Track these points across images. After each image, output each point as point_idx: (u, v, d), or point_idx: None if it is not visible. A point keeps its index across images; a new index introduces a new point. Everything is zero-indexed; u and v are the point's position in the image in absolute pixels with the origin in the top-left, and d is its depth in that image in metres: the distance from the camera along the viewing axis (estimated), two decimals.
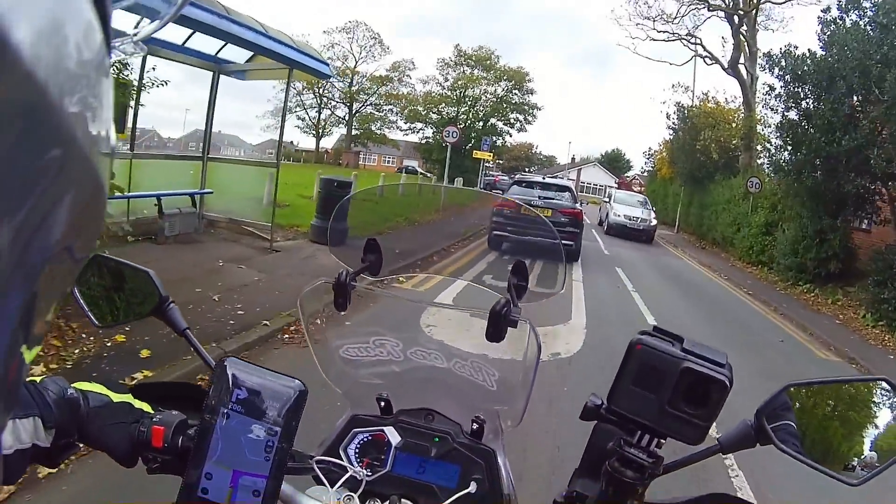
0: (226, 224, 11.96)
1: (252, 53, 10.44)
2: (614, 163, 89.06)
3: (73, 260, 0.34)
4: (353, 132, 65.03)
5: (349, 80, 62.97)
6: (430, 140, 59.52)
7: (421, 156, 63.52)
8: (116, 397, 1.05)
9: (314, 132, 66.13)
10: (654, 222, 27.86)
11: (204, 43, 10.19)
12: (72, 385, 1.01)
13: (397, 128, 63.64)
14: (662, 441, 0.99)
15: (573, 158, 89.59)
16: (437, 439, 1.24)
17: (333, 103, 65.09)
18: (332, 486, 1.13)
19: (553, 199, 16.86)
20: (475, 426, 1.26)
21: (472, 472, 1.21)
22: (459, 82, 59.46)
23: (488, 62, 59.54)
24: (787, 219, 19.32)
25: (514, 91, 60.14)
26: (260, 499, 0.96)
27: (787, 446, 1.02)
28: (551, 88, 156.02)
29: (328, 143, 71.16)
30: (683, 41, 35.22)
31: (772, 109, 18.47)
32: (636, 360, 0.97)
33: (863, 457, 1.04)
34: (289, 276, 9.03)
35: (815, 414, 1.09)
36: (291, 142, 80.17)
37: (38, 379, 0.98)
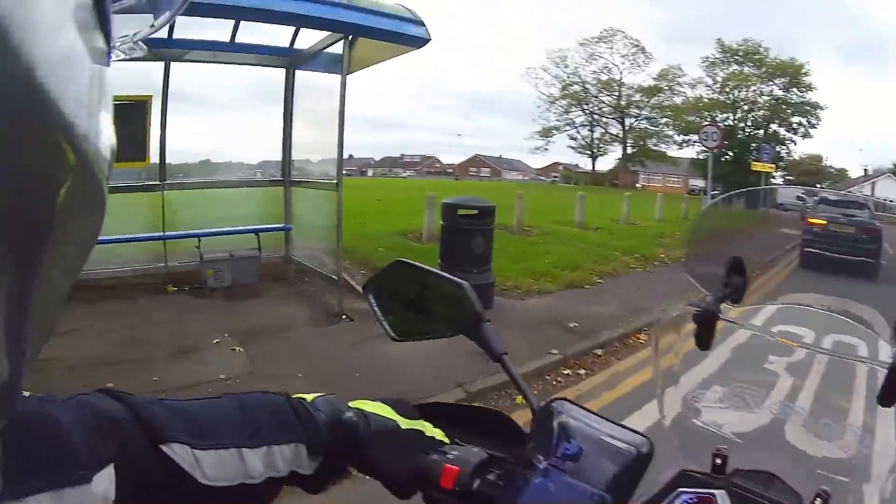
0: (316, 270, 8.30)
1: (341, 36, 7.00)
2: None
3: (93, 219, 0.34)
4: (628, 150, 60.86)
5: (616, 94, 59.08)
6: (707, 153, 54.74)
7: (698, 171, 58.60)
8: (405, 423, 0.93)
9: (589, 152, 63.02)
10: None
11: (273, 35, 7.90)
12: (350, 404, 0.92)
13: (674, 143, 57.95)
14: None
15: (865, 170, 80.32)
16: None
17: (605, 120, 61.32)
18: None
19: (855, 215, 15.35)
20: (818, 501, 0.99)
21: None
22: (729, 83, 52.91)
23: (757, 56, 52.14)
24: None
25: (790, 89, 52.35)
26: None
27: None
28: (831, 90, 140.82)
29: (608, 163, 67.17)
30: None
31: None
32: None
33: None
34: (286, 378, 5.12)
35: None
36: (577, 165, 77.94)
37: (309, 398, 0.89)
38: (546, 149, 62.92)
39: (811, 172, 78.09)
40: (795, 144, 56.80)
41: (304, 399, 0.87)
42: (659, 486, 0.99)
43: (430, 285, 1.14)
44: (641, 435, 0.88)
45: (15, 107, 0.23)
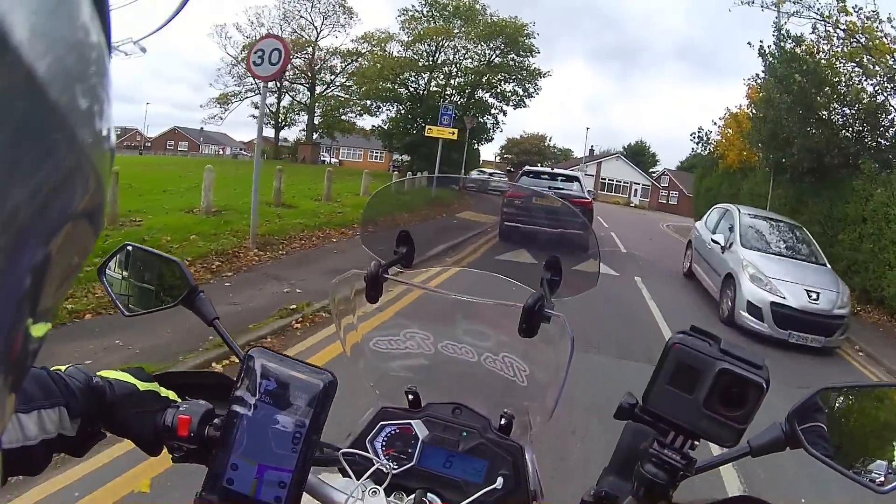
0: None
1: None
2: (638, 157, 73.85)
3: (91, 230, 0.33)
4: (316, 119, 48.26)
5: (309, 57, 46.69)
6: (391, 123, 42.07)
7: (383, 144, 45.76)
8: (142, 385, 1.01)
9: (273, 122, 49.69)
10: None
11: None
12: (97, 373, 0.98)
13: (366, 111, 45.36)
14: (696, 443, 0.94)
15: (591, 150, 74.17)
16: (465, 434, 1.20)
17: (296, 87, 49.07)
18: (357, 479, 1.08)
19: (562, 189, 16.27)
20: (504, 421, 1.23)
21: (500, 467, 1.17)
22: (425, 40, 40.05)
23: (470, 12, 39.82)
24: None
25: (508, 53, 40.50)
26: (286, 490, 0.94)
27: (817, 450, 0.96)
28: (571, 81, 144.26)
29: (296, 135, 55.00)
30: None
31: None
32: (673, 359, 0.92)
33: (893, 463, 0.97)
34: None
35: (845, 419, 1.06)
36: (286, 138, 65.93)
37: (62, 368, 0.95)
38: (222, 118, 49.04)
39: (533, 152, 71.44)
40: (506, 115, 44.45)
41: (59, 369, 0.93)
42: (365, 423, 1.21)
43: (152, 264, 1.27)
44: (326, 371, 0.97)
45: (17, 109, 0.23)
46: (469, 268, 1.61)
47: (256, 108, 48.20)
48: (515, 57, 40.99)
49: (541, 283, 1.26)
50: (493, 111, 42.77)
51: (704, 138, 29.74)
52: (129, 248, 1.27)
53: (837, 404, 1.05)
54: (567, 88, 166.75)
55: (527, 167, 25.34)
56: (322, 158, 54.49)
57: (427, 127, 28.19)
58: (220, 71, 49.37)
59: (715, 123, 29.60)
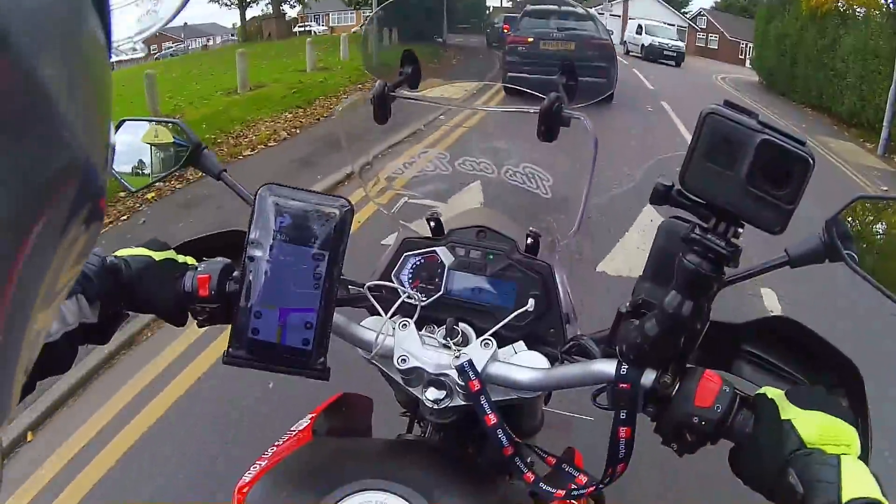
0: None
1: None
2: None
3: (95, 223, 0.32)
4: None
5: None
6: None
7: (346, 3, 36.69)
8: (158, 256, 0.97)
9: (237, 2, 42.02)
10: None
11: None
12: (111, 254, 0.94)
13: None
14: (740, 230, 0.82)
15: None
16: (491, 256, 1.11)
17: None
18: (386, 314, 1.01)
19: (574, 29, 10.75)
20: (530, 241, 1.13)
21: (530, 288, 1.08)
22: None
23: None
24: None
25: None
26: (313, 331, 0.89)
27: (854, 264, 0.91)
28: None
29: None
30: None
31: None
32: (708, 131, 0.79)
33: None
34: None
35: (878, 231, 1.01)
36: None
37: None
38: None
39: None
40: None
41: None
42: (389, 257, 1.12)
43: (151, 131, 1.20)
44: (342, 198, 0.92)
45: (17, 108, 0.23)
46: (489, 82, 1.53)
47: None
48: None
49: (557, 87, 1.13)
50: None
51: None
52: (126, 121, 1.21)
53: (870, 216, 1.00)
54: None
55: (528, 6, 18.71)
56: (304, 29, 46.72)
57: None
58: None
59: None
